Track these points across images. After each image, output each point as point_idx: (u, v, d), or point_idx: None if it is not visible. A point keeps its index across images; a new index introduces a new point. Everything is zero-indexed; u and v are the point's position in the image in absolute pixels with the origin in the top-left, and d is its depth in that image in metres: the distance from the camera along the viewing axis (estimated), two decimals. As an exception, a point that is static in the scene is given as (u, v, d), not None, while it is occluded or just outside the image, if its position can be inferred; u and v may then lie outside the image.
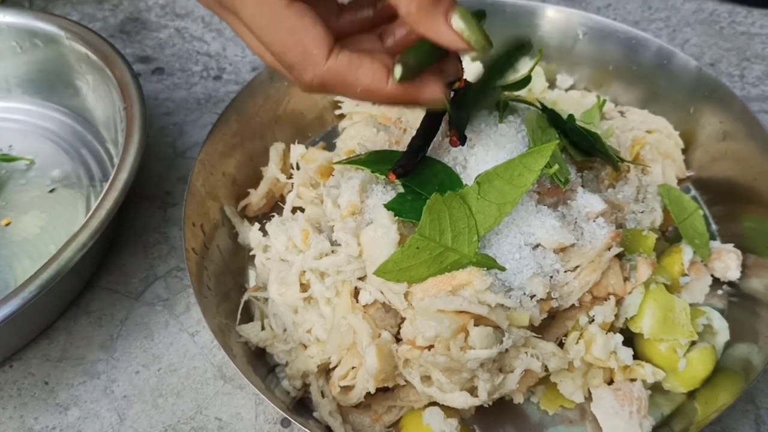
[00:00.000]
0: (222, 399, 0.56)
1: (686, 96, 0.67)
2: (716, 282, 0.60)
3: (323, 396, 0.53)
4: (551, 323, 0.52)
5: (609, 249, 0.51)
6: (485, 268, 0.48)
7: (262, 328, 0.56)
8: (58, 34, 0.68)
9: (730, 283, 0.60)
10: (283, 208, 0.61)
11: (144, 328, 0.60)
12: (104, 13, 0.86)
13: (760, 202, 0.60)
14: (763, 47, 0.81)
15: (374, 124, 0.61)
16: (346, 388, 0.52)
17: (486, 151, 0.52)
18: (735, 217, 0.64)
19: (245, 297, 0.58)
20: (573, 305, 0.52)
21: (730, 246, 0.61)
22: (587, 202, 0.53)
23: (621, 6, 0.86)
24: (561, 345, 0.52)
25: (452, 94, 0.48)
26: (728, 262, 0.60)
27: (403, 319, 0.50)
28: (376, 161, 0.52)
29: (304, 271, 0.53)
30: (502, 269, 0.49)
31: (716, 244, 0.62)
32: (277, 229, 0.56)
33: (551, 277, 0.50)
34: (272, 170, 0.64)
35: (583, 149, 0.56)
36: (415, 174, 0.50)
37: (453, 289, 0.47)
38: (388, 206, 0.50)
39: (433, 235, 0.47)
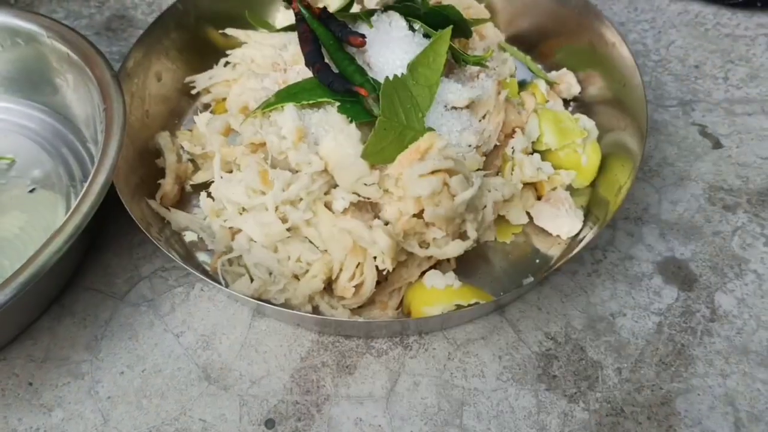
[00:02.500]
0: (206, 400, 0.56)
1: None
2: (565, 103, 0.74)
3: (335, 308, 0.58)
4: (485, 164, 0.63)
5: (499, 93, 0.64)
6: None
7: (251, 281, 0.58)
8: (38, 32, 0.67)
9: (575, 99, 0.74)
10: (189, 191, 0.68)
11: (128, 329, 0.60)
12: (90, 10, 0.86)
13: (560, 35, 0.75)
14: (747, 49, 0.81)
15: (254, 76, 0.66)
16: (357, 287, 0.57)
17: (384, 49, 0.63)
18: (549, 55, 0.77)
19: (219, 268, 0.59)
20: (495, 145, 0.63)
21: (563, 69, 0.75)
22: (469, 68, 0.66)
23: (607, 6, 0.86)
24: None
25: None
26: (569, 80, 0.74)
27: (374, 212, 0.58)
28: (301, 93, 0.59)
29: (276, 207, 0.57)
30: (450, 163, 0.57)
31: (553, 74, 0.75)
32: (227, 186, 0.59)
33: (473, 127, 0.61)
34: (170, 159, 0.67)
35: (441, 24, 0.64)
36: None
37: (421, 156, 0.55)
38: (341, 110, 0.57)
39: (392, 116, 0.56)
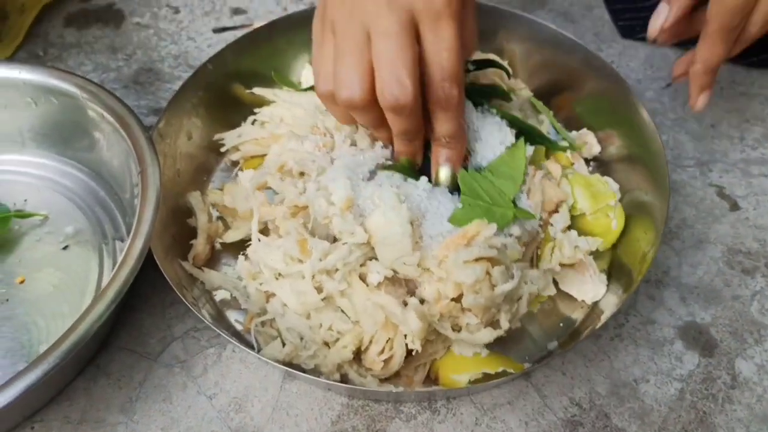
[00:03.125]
0: (236, 464, 0.57)
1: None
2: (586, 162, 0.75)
3: (364, 377, 0.59)
4: (525, 251, 0.64)
5: (534, 174, 0.66)
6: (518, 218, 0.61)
7: (283, 345, 0.59)
8: (73, 92, 0.69)
9: (595, 159, 0.75)
10: (219, 249, 0.69)
11: (162, 391, 0.61)
12: (118, 63, 0.88)
13: (576, 92, 0.77)
14: (762, 108, 0.83)
15: (295, 137, 0.67)
16: (386, 361, 0.58)
17: (488, 137, 0.65)
18: (565, 112, 0.78)
19: (252, 330, 0.61)
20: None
21: (584, 130, 0.75)
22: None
23: (624, 63, 0.88)
24: (532, 259, 0.65)
25: None
26: (590, 140, 0.75)
27: (408, 287, 0.59)
28: (403, 168, 0.62)
29: (313, 276, 0.58)
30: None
31: (574, 133, 0.76)
32: (266, 250, 0.60)
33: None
34: (202, 219, 0.68)
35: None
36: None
37: (468, 242, 0.56)
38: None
39: (474, 196, 0.60)
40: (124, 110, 0.67)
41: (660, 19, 0.68)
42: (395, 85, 0.53)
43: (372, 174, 0.62)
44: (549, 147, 0.70)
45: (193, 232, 0.68)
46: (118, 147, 0.68)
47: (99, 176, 0.74)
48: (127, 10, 0.94)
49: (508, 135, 0.65)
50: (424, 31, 0.54)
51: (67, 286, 0.66)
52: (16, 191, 0.73)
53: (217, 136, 0.74)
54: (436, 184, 0.61)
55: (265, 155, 0.72)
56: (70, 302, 0.65)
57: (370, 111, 0.56)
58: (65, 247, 0.69)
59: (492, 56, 0.75)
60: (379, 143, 0.64)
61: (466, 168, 0.62)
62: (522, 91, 0.76)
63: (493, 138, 0.65)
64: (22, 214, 0.70)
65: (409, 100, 0.53)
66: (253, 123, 0.75)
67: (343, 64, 0.54)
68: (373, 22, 0.53)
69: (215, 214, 0.70)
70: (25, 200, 0.72)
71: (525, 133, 0.67)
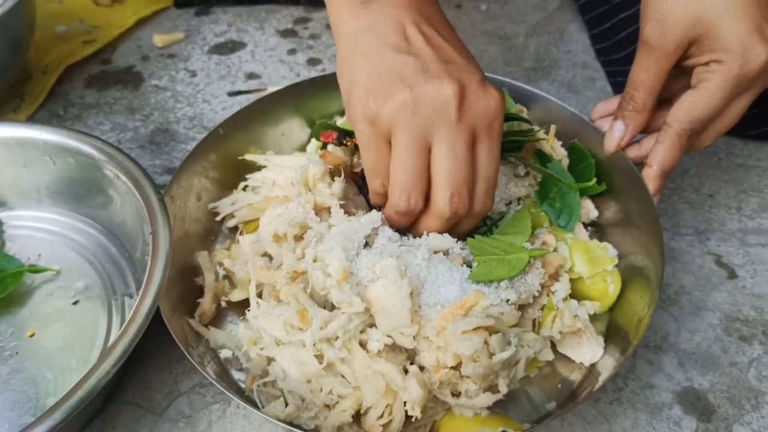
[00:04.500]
0: None
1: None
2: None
3: None
4: (522, 317, 0.64)
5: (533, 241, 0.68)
6: (534, 257, 0.64)
7: (286, 405, 0.60)
8: (91, 153, 0.72)
9: (592, 223, 0.76)
10: (224, 307, 0.70)
11: (166, 446, 0.62)
12: (135, 123, 0.91)
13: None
14: (759, 180, 0.85)
15: (277, 205, 0.69)
16: (385, 425, 0.59)
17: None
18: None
19: (255, 391, 0.62)
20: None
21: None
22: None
23: (624, 132, 0.91)
24: (534, 324, 0.65)
25: None
26: (587, 206, 0.75)
27: (408, 354, 0.60)
28: None
29: (314, 344, 0.59)
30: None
31: None
32: (266, 318, 0.61)
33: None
34: (209, 278, 0.70)
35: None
36: None
37: (465, 313, 0.57)
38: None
39: (485, 254, 0.63)
40: (139, 172, 0.70)
41: (616, 139, 0.72)
42: (457, 203, 0.59)
43: (368, 240, 0.63)
44: (572, 187, 0.72)
45: (199, 291, 0.70)
46: (131, 207, 0.70)
47: (111, 233, 0.76)
48: (146, 73, 0.98)
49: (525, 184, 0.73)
50: (480, 147, 0.59)
51: (76, 341, 0.67)
52: (30, 246, 0.75)
53: (211, 206, 0.76)
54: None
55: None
56: (78, 357, 0.66)
57: (414, 216, 0.62)
58: (75, 302, 0.71)
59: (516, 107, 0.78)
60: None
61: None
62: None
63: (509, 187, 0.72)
64: (36, 269, 0.72)
65: (465, 211, 0.60)
66: (244, 189, 0.78)
67: (401, 176, 0.59)
68: (438, 139, 0.57)
69: (221, 272, 0.72)
70: (39, 255, 0.74)
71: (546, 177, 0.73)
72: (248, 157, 0.78)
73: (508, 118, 0.74)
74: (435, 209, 0.60)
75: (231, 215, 0.76)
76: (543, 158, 0.75)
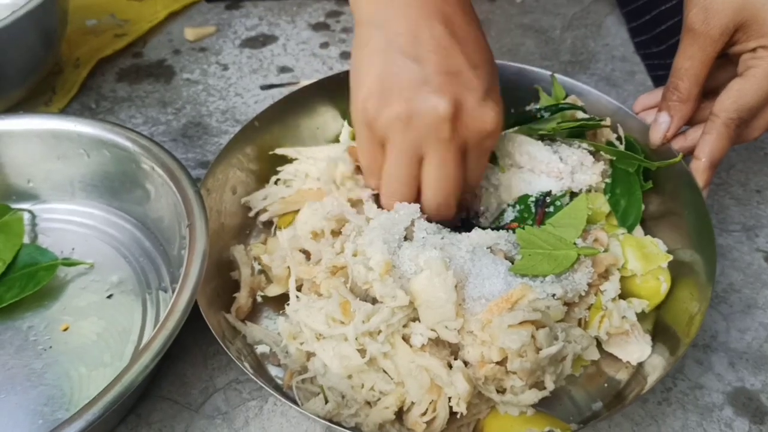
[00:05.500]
0: None
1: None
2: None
3: None
4: (568, 313, 0.62)
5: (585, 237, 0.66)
6: (583, 255, 0.62)
7: (326, 402, 0.58)
8: (126, 146, 0.71)
9: None
10: (260, 302, 0.69)
11: (203, 443, 0.60)
12: (168, 116, 0.90)
13: None
14: (807, 174, 0.82)
15: (312, 203, 0.69)
16: (429, 422, 0.57)
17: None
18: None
19: (293, 387, 0.61)
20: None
21: None
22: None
23: (666, 126, 0.88)
24: (580, 324, 0.63)
25: None
26: None
27: (452, 349, 0.59)
28: None
29: (356, 338, 0.57)
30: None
31: None
32: (307, 311, 0.60)
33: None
34: (245, 272, 0.68)
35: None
36: None
37: (511, 306, 0.56)
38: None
39: (532, 247, 0.61)
40: (175, 164, 0.68)
41: (661, 130, 0.70)
42: (444, 210, 0.63)
43: (408, 232, 0.62)
44: (641, 164, 0.70)
45: (235, 285, 0.69)
46: (166, 200, 0.69)
47: (145, 227, 0.75)
48: (177, 67, 0.97)
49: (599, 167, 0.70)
50: (470, 159, 0.61)
51: (110, 335, 0.66)
52: (64, 240, 0.74)
53: (244, 200, 0.74)
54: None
55: (295, 211, 0.72)
56: (112, 351, 0.65)
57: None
58: (110, 296, 0.69)
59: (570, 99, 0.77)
60: None
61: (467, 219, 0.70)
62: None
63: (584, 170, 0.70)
64: (69, 262, 0.71)
65: (450, 215, 0.64)
66: (276, 182, 0.76)
67: (392, 185, 0.62)
68: (430, 154, 0.59)
69: (257, 267, 0.71)
70: (73, 249, 0.73)
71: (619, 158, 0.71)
72: (279, 151, 0.77)
73: (560, 108, 0.73)
74: (423, 209, 0.63)
75: (264, 209, 0.74)
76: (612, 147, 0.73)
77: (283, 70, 0.97)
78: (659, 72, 0.93)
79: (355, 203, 0.68)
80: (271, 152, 0.77)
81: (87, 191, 0.77)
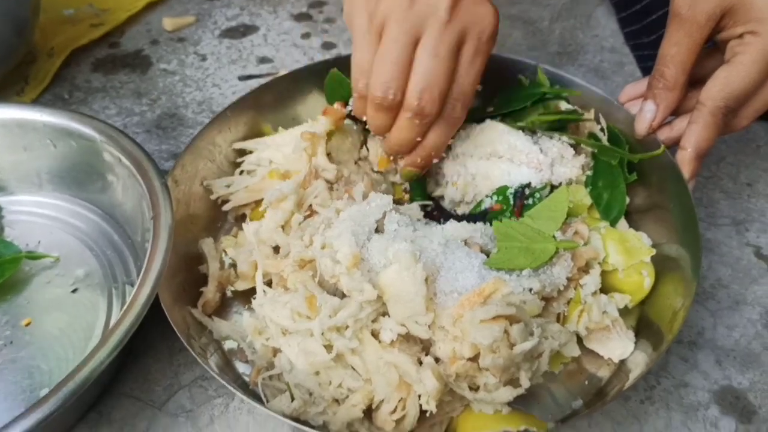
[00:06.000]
0: None
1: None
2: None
3: None
4: (545, 308, 0.60)
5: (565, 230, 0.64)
6: (562, 249, 0.60)
7: (292, 400, 0.56)
8: (92, 136, 0.68)
9: None
10: (230, 296, 0.67)
11: (165, 442, 0.58)
12: (142, 107, 0.87)
13: None
14: (800, 167, 0.80)
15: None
16: (398, 420, 0.55)
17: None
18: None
19: (259, 385, 0.58)
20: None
21: None
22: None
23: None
24: (558, 319, 0.61)
25: None
26: None
27: (423, 345, 0.56)
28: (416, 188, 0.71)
29: (322, 333, 0.55)
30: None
31: None
32: (272, 306, 0.58)
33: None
34: (213, 266, 0.66)
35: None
36: None
37: (484, 300, 0.54)
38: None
39: (509, 240, 0.59)
40: (141, 154, 0.66)
41: (647, 120, 0.67)
42: (427, 99, 0.59)
43: (379, 225, 0.60)
44: (623, 156, 0.69)
45: (203, 279, 0.66)
46: (133, 191, 0.67)
47: (113, 219, 0.72)
48: (154, 57, 0.95)
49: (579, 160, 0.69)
50: (464, 53, 0.60)
51: (73, 330, 0.64)
52: (30, 232, 0.72)
53: (206, 183, 0.71)
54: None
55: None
56: (75, 347, 0.63)
57: (390, 113, 0.61)
58: (74, 290, 0.67)
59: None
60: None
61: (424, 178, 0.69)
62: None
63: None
64: (34, 256, 0.69)
65: (434, 112, 0.60)
66: (241, 173, 0.74)
67: (384, 66, 0.59)
68: (426, 35, 0.58)
69: (228, 261, 0.68)
70: (39, 242, 0.71)
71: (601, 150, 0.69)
72: (237, 145, 0.74)
73: (545, 98, 0.70)
74: (405, 102, 0.60)
75: (227, 198, 0.72)
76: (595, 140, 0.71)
77: (263, 60, 0.94)
78: (649, 63, 0.90)
79: (321, 173, 0.67)
80: (231, 146, 0.74)
81: (54, 183, 0.74)
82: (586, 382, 0.61)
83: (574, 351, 0.62)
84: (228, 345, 0.63)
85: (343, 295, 0.57)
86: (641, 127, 0.67)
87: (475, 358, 0.53)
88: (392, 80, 0.59)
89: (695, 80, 0.67)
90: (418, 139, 0.63)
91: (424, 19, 0.57)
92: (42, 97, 0.88)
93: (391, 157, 0.68)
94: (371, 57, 0.60)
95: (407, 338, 0.55)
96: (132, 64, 0.94)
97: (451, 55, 0.58)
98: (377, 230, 0.59)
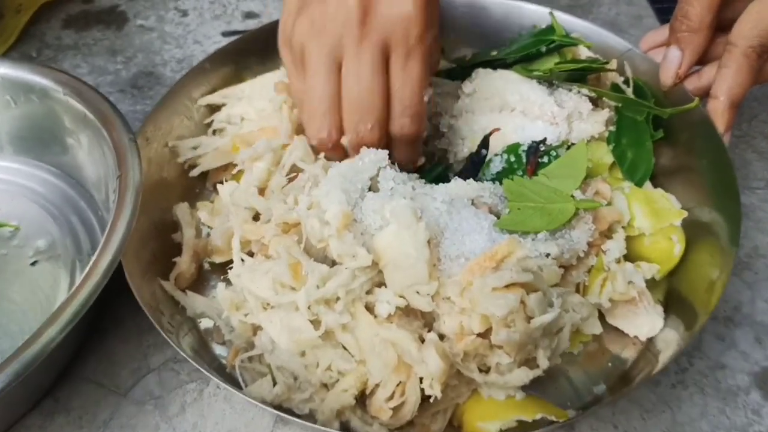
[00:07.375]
0: None
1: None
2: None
3: (370, 425, 0.49)
4: (564, 277, 0.54)
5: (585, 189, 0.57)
6: (582, 210, 0.54)
7: (274, 384, 0.49)
8: (54, 89, 0.61)
9: None
10: (207, 270, 0.60)
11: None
12: (116, 66, 0.80)
13: None
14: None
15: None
16: (396, 408, 0.48)
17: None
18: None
19: (237, 367, 0.51)
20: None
21: None
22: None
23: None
24: (578, 290, 0.55)
25: None
26: None
27: (425, 320, 0.50)
28: None
29: (309, 306, 0.48)
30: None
31: None
32: (251, 276, 0.51)
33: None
34: (188, 233, 0.59)
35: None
36: None
37: (496, 265, 0.47)
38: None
39: (522, 200, 0.53)
40: (109, 108, 0.60)
41: (672, 67, 0.62)
42: (365, 131, 0.53)
43: (373, 183, 0.53)
44: (651, 111, 0.62)
45: (178, 250, 0.59)
46: (99, 151, 0.60)
47: (79, 184, 0.66)
48: (131, 13, 0.87)
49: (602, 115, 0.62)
50: (394, 63, 0.52)
51: (30, 307, 0.58)
52: (-14, 199, 0.65)
53: (171, 143, 0.64)
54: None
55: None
56: (32, 326, 0.55)
57: (339, 149, 0.55)
58: (34, 263, 0.61)
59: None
60: None
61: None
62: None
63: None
64: (-10, 225, 0.62)
65: (377, 139, 0.53)
66: (214, 134, 0.66)
67: (311, 106, 0.54)
68: (345, 58, 0.52)
69: (206, 230, 0.61)
70: (-2, 209, 0.64)
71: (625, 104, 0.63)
72: (201, 101, 0.66)
73: (561, 45, 0.63)
74: (347, 140, 0.54)
75: (195, 162, 0.64)
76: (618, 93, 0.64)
77: (249, 16, 0.87)
78: (670, 16, 0.83)
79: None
80: (197, 104, 0.67)
81: (15, 145, 0.68)
82: (610, 365, 0.54)
83: (596, 328, 0.55)
84: (204, 324, 0.56)
85: (333, 263, 0.50)
86: (667, 77, 0.61)
87: (485, 334, 0.47)
88: (323, 121, 0.53)
89: (723, 24, 0.60)
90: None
91: (339, 40, 0.51)
92: (7, 56, 0.81)
93: None
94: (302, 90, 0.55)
95: (407, 312, 0.49)
96: (107, 20, 0.86)
97: (376, 73, 0.51)
98: (371, 189, 0.52)
